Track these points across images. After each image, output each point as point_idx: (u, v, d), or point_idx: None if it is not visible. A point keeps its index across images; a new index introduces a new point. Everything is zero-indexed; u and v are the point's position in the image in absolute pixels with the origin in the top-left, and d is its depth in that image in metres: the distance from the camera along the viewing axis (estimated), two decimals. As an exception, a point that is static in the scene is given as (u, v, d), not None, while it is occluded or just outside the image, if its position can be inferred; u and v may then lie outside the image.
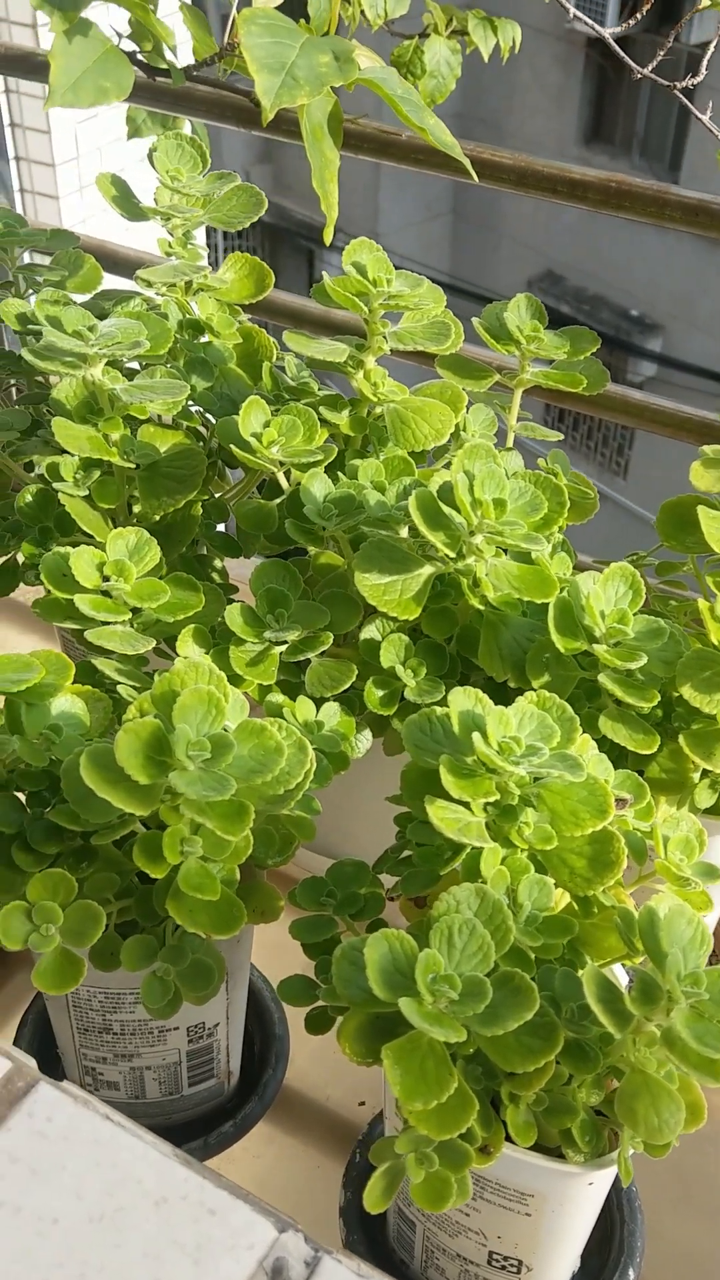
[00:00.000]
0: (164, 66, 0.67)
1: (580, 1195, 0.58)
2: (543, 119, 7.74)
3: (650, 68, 0.93)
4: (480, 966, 0.51)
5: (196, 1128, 0.74)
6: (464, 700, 0.57)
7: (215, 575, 0.80)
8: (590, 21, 0.96)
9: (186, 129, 1.41)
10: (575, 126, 8.08)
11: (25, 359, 0.85)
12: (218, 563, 0.81)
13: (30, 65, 0.99)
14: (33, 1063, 0.50)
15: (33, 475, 0.81)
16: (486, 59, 1.17)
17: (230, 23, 0.62)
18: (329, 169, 0.55)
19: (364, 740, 0.70)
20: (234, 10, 0.60)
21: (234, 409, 0.81)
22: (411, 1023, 0.49)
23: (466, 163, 0.66)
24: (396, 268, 0.77)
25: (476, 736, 0.55)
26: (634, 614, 0.64)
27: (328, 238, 0.60)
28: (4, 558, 0.76)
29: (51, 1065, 0.77)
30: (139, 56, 0.65)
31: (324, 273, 0.71)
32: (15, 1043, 0.77)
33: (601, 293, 8.04)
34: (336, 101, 0.57)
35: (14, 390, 0.91)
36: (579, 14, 0.85)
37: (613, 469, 7.09)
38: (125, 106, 1.16)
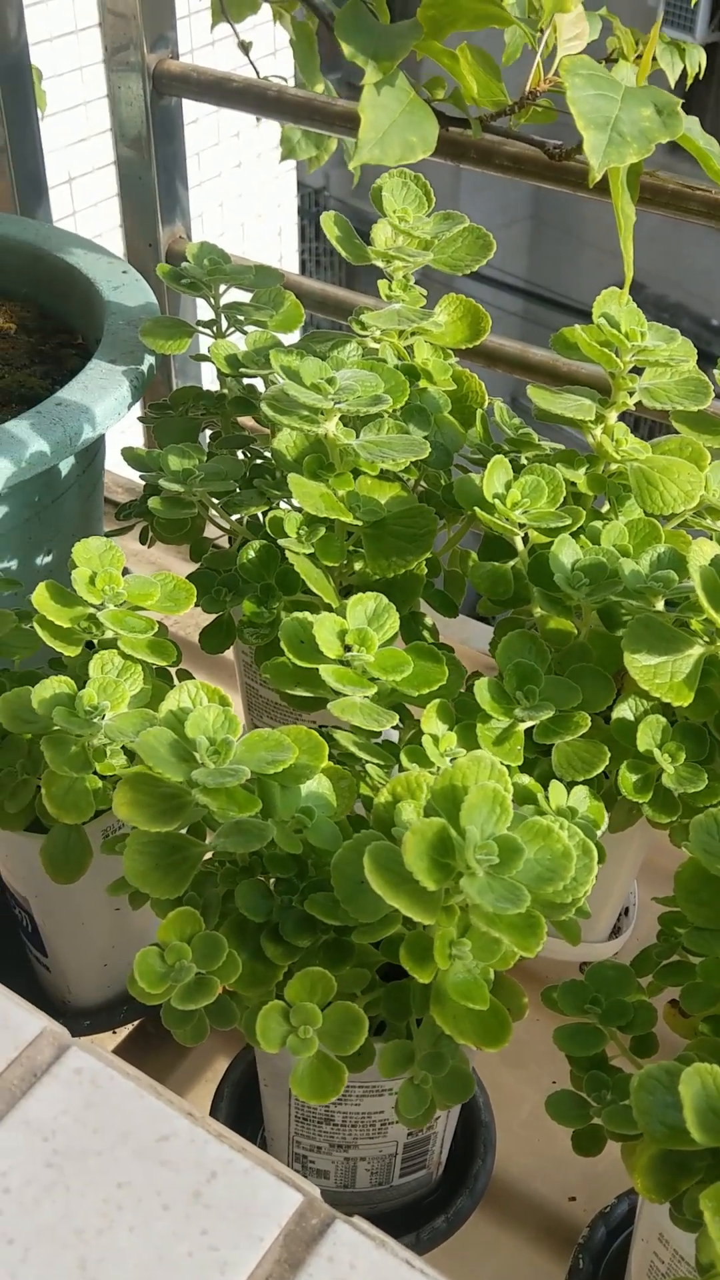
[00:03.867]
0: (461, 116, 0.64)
1: None
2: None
3: None
4: None
5: (403, 1220, 0.71)
6: (763, 805, 0.53)
7: (426, 634, 0.76)
8: None
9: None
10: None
11: (228, 403, 0.82)
12: (428, 620, 0.77)
13: (223, 92, 0.96)
14: (317, 1191, 0.46)
15: (235, 524, 0.77)
16: (673, 84, 1.13)
17: (533, 69, 0.58)
18: (629, 226, 0.51)
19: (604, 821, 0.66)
20: (537, 58, 0.56)
21: (448, 459, 0.77)
22: (737, 1172, 0.45)
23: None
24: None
25: (786, 849, 0.50)
26: None
27: (623, 299, 0.56)
28: (216, 613, 0.73)
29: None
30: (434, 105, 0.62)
31: (576, 325, 0.66)
32: (212, 1115, 0.74)
33: (682, 301, 7.92)
34: (639, 155, 0.53)
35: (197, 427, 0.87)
36: None
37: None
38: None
